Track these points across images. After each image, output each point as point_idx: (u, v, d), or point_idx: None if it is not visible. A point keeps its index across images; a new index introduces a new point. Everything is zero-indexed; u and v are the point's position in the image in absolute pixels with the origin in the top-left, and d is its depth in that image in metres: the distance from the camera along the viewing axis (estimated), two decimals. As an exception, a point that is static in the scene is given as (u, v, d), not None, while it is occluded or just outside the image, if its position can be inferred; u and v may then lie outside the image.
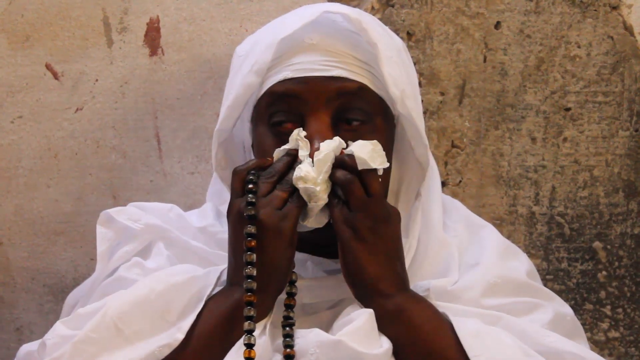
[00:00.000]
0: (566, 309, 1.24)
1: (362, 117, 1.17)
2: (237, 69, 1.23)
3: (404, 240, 1.18)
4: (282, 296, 1.14)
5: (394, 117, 1.21)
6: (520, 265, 1.25)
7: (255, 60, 1.18)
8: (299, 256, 1.18)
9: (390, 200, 1.21)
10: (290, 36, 1.17)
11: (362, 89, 1.16)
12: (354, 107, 1.16)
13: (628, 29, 1.55)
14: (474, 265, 1.21)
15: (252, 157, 1.23)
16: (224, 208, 1.31)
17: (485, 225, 1.31)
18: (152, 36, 1.58)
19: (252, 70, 1.18)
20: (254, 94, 1.20)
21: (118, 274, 1.21)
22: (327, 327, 1.13)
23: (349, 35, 1.18)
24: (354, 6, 1.55)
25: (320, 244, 1.20)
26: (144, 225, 1.25)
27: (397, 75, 1.16)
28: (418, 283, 1.18)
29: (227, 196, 1.29)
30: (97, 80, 1.59)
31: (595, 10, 1.55)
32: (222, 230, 1.22)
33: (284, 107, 1.17)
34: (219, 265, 1.19)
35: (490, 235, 1.28)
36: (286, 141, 1.15)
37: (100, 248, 1.26)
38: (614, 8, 1.55)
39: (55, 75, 1.59)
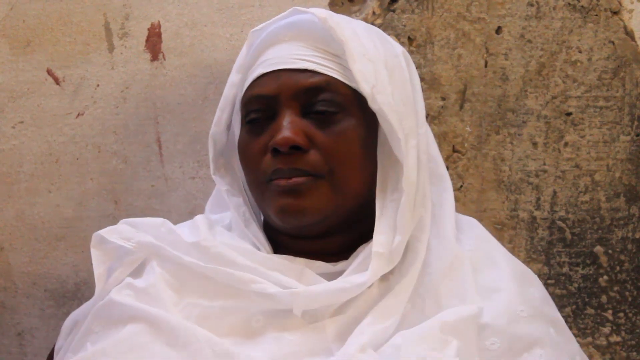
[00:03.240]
0: (584, 356, 1.24)
1: (332, 108, 1.18)
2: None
3: (391, 237, 1.17)
4: (288, 309, 1.14)
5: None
6: (535, 291, 1.23)
7: (236, 59, 1.25)
8: (295, 264, 1.18)
9: (378, 198, 1.20)
10: (263, 30, 1.23)
11: (329, 82, 1.18)
12: (322, 99, 1.17)
13: (629, 34, 1.55)
14: (494, 291, 1.18)
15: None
16: (218, 218, 1.31)
17: (499, 247, 1.28)
18: (153, 41, 1.58)
19: (234, 69, 1.25)
20: (238, 95, 1.25)
21: (109, 298, 1.18)
22: (331, 337, 1.13)
23: (321, 31, 1.20)
24: (355, 11, 1.55)
25: (319, 250, 1.21)
26: (137, 244, 1.23)
27: (368, 71, 1.17)
28: (463, 308, 1.14)
29: (226, 207, 1.30)
30: (98, 85, 1.59)
31: (596, 15, 1.55)
32: (216, 244, 1.20)
33: (257, 106, 1.20)
34: (216, 279, 1.18)
35: (505, 258, 1.26)
36: (259, 136, 1.18)
37: (97, 271, 1.24)
38: (615, 13, 1.55)
39: (57, 81, 1.59)
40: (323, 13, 1.19)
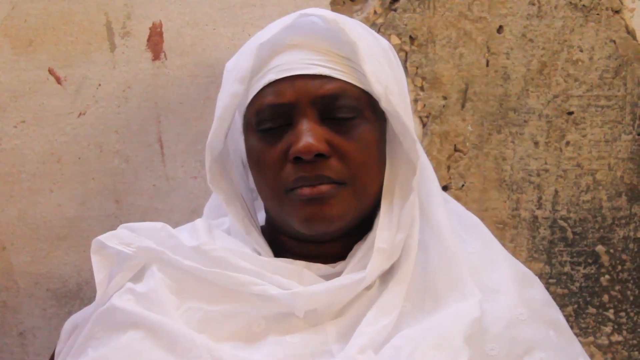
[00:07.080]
0: (587, 357, 1.24)
1: (349, 113, 1.17)
2: (225, 82, 1.24)
3: (393, 234, 1.17)
4: (292, 314, 1.14)
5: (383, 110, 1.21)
6: (536, 293, 1.23)
7: (238, 68, 1.20)
8: (294, 266, 1.18)
9: (385, 196, 1.20)
10: (271, 41, 1.18)
11: (345, 88, 1.16)
12: (340, 106, 1.16)
13: (630, 32, 1.55)
14: (494, 292, 1.18)
15: (250, 172, 1.24)
16: (217, 223, 1.31)
17: (501, 249, 1.28)
18: (155, 41, 1.58)
19: (236, 79, 1.19)
20: (242, 103, 1.21)
21: (110, 304, 1.18)
22: (333, 339, 1.13)
23: (329, 34, 1.18)
24: (357, 10, 1.55)
25: (321, 254, 1.21)
26: (137, 249, 1.22)
27: (379, 72, 1.16)
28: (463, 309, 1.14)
29: (224, 212, 1.29)
30: (100, 84, 1.59)
31: (598, 14, 1.55)
32: (216, 247, 1.20)
33: (271, 113, 1.17)
34: (217, 283, 1.17)
35: (506, 260, 1.26)
36: (276, 144, 1.16)
37: (98, 277, 1.23)
38: (616, 12, 1.55)
39: (58, 80, 1.59)
40: (331, 14, 1.18)
